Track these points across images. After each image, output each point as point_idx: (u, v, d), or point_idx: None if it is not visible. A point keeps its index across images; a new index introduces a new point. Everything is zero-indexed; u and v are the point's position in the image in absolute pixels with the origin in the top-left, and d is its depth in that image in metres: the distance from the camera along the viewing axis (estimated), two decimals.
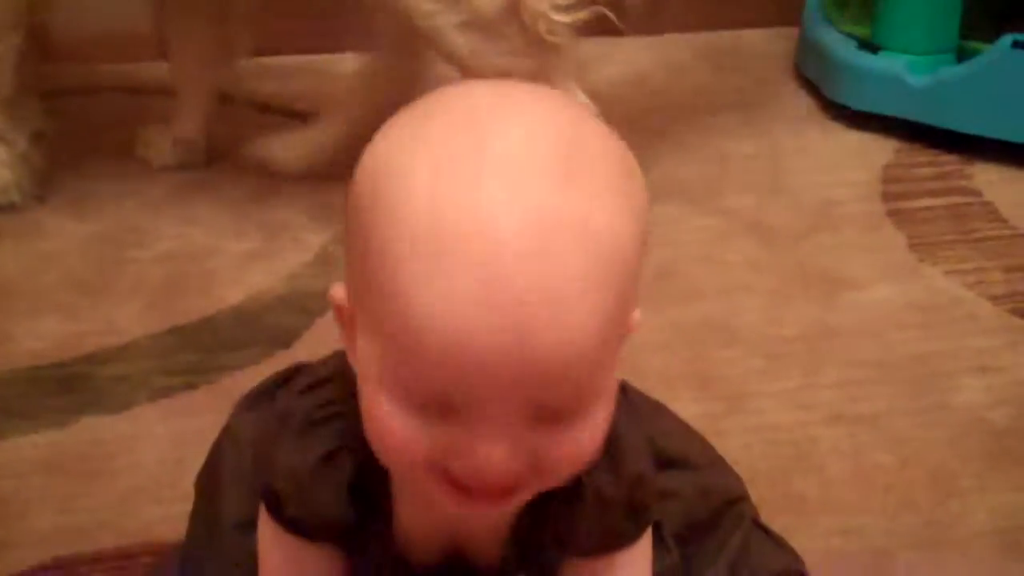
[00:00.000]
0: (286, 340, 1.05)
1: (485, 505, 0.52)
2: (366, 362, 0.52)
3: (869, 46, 1.50)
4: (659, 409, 0.76)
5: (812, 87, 1.59)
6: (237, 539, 0.67)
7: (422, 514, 0.60)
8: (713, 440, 0.77)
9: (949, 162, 1.40)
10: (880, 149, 1.44)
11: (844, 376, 1.01)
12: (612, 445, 0.57)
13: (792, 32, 1.72)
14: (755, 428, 0.94)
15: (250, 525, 0.65)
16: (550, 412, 0.50)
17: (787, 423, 0.95)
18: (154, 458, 0.90)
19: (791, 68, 1.67)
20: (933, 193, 1.34)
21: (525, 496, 0.54)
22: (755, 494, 0.76)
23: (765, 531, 0.76)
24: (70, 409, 0.96)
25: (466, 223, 0.47)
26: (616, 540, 0.62)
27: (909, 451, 0.92)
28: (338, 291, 0.55)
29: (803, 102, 1.58)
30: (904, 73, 1.44)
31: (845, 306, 1.12)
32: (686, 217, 1.26)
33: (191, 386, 0.98)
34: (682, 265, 1.17)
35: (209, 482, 0.71)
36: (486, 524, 0.61)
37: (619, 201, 0.51)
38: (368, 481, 0.59)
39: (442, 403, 0.49)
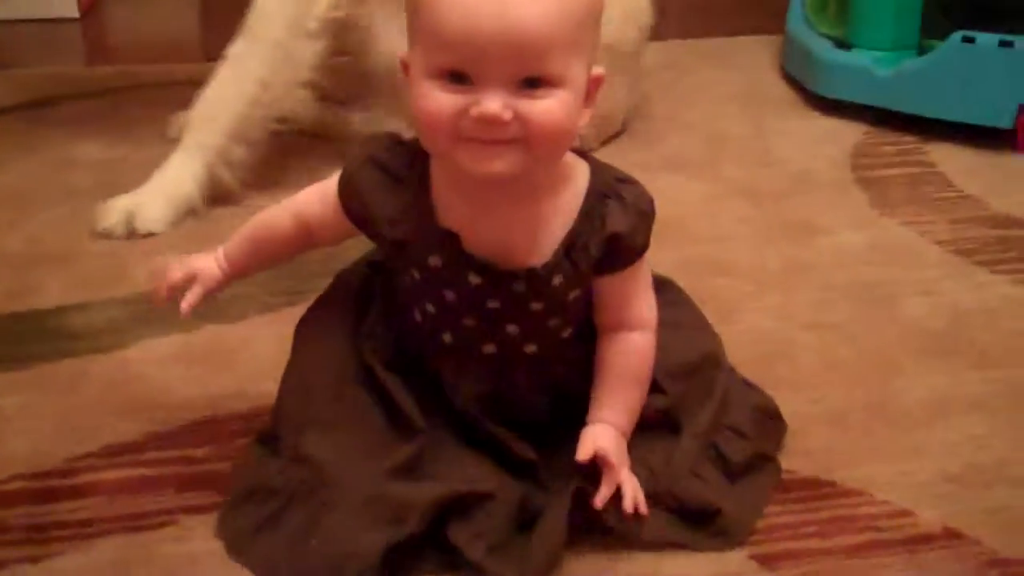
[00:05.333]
0: None
1: (493, 157, 0.78)
2: (414, 70, 0.80)
3: (843, 45, 1.74)
4: (666, 283, 1.00)
5: (795, 82, 1.84)
6: (344, 364, 0.92)
7: (465, 209, 0.85)
8: None
9: (909, 141, 1.64)
10: (851, 131, 1.68)
11: (816, 297, 1.24)
12: (622, 190, 0.86)
13: (777, 39, 1.97)
14: (744, 331, 1.17)
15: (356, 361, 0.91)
16: (530, 81, 0.77)
17: (769, 328, 1.19)
18: (264, 353, 1.13)
19: (777, 67, 1.92)
20: (894, 165, 1.58)
21: (518, 161, 0.79)
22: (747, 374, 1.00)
23: (742, 380, 0.99)
24: (193, 320, 1.19)
25: None
26: (630, 253, 0.87)
27: (865, 347, 1.15)
28: (401, 54, 0.83)
29: (787, 94, 1.82)
30: (872, 67, 1.68)
31: (818, 247, 1.36)
32: (690, 183, 1.51)
33: (290, 303, 1.21)
34: (686, 220, 1.41)
35: (314, 325, 0.96)
36: (525, 219, 0.85)
37: None
38: (418, 184, 0.86)
39: (459, 74, 0.77)
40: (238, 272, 0.96)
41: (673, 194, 1.42)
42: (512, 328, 0.88)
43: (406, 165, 0.88)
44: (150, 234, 1.38)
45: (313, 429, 0.90)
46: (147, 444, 1.01)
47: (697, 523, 0.90)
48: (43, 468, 0.97)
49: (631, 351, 0.90)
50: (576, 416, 0.91)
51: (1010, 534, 0.91)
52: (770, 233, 1.39)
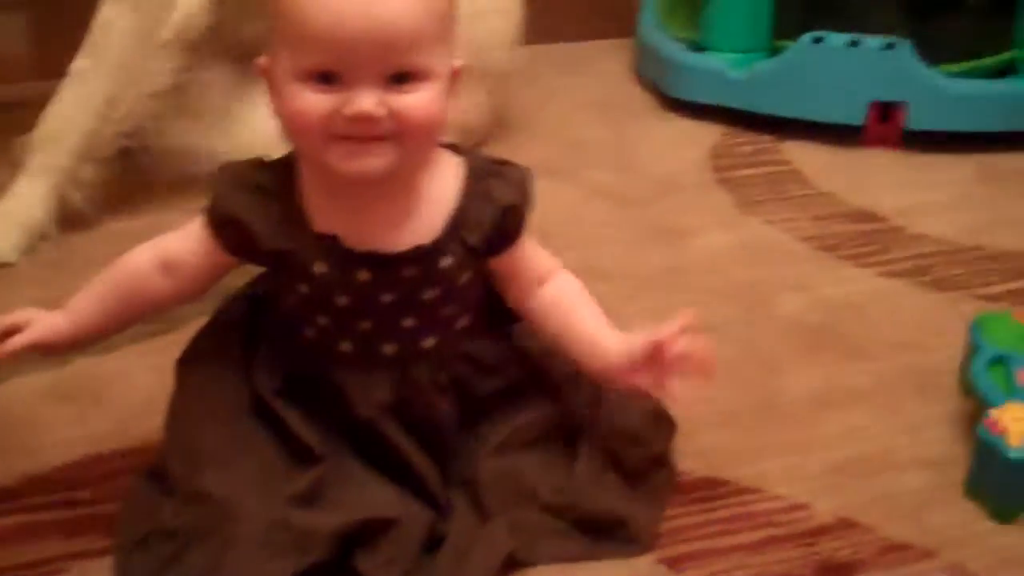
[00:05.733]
0: None
1: (366, 155, 0.79)
2: (279, 73, 0.80)
3: (696, 48, 1.78)
4: None
5: (650, 85, 1.86)
6: (235, 400, 0.90)
7: (338, 207, 0.85)
8: None
9: (765, 140, 1.68)
10: (709, 133, 1.71)
11: (693, 299, 1.26)
12: (501, 170, 0.89)
13: (627, 43, 2.00)
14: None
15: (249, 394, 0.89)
16: (399, 76, 0.78)
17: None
18: (141, 386, 1.09)
19: (631, 71, 1.95)
20: (753, 165, 1.62)
21: (392, 157, 0.80)
22: None
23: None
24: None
25: None
26: (521, 224, 0.89)
27: (746, 346, 1.18)
28: (262, 59, 0.83)
29: (643, 98, 1.85)
30: (726, 68, 1.71)
31: (689, 249, 1.38)
32: (556, 189, 1.51)
33: (162, 332, 1.16)
34: (556, 226, 1.39)
35: (197, 362, 0.92)
36: (401, 206, 0.85)
37: None
38: (286, 192, 0.86)
39: (328, 74, 0.78)
40: (88, 327, 0.92)
41: (540, 200, 1.40)
42: (409, 322, 0.88)
43: (272, 179, 0.87)
44: (3, 264, 1.31)
45: (208, 466, 0.87)
46: (24, 489, 0.96)
47: (603, 533, 0.91)
48: None
49: (566, 288, 0.93)
50: (480, 421, 0.92)
51: (902, 519, 0.95)
52: (640, 237, 1.41)
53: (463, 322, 0.91)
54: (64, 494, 0.95)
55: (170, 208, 1.36)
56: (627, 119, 1.78)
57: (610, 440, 0.96)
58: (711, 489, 0.98)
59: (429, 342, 0.89)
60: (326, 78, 0.78)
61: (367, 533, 0.85)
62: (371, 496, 0.87)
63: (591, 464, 0.94)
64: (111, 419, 1.05)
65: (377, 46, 0.77)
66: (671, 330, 0.87)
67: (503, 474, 0.91)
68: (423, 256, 0.86)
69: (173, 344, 0.96)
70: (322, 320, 0.87)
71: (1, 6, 2.35)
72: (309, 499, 0.86)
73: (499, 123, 1.68)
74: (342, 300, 0.86)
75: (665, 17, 1.89)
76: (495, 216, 0.87)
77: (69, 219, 1.37)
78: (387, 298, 0.86)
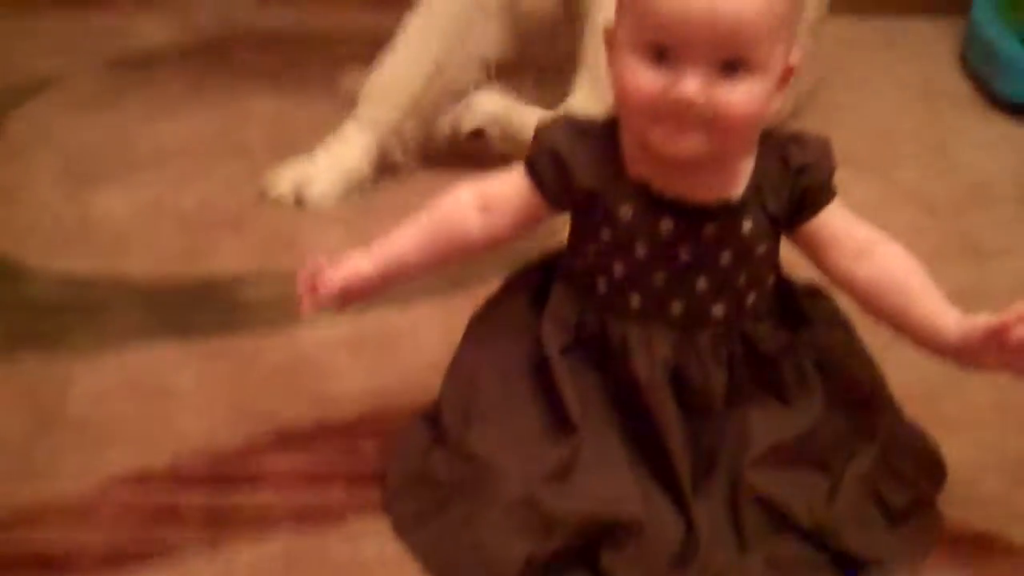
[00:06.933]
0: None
1: (682, 139, 0.82)
2: (619, 43, 0.84)
3: None
4: (819, 295, 0.96)
5: (977, 77, 1.75)
6: (514, 364, 0.93)
7: (655, 175, 0.87)
8: None
9: None
10: None
11: None
12: (799, 136, 0.89)
13: (956, 23, 1.88)
14: (909, 364, 1.10)
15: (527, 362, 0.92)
16: (730, 64, 0.80)
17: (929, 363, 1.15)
18: (430, 344, 1.13)
19: (956, 57, 1.83)
20: None
21: (708, 145, 0.82)
22: (905, 411, 0.97)
23: (905, 420, 0.97)
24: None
25: None
26: (821, 189, 0.90)
27: None
28: (607, 25, 0.86)
29: (966, 90, 1.74)
30: None
31: (995, 271, 1.30)
32: (852, 184, 1.45)
33: (454, 286, 1.20)
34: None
35: (485, 322, 0.97)
36: (712, 185, 0.87)
37: None
38: (611, 147, 0.89)
39: (663, 52, 0.81)
40: (393, 267, 0.93)
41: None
42: (701, 283, 0.89)
43: (595, 127, 0.91)
44: (318, 206, 1.40)
45: (477, 424, 0.92)
46: (317, 434, 1.03)
47: (859, 572, 0.89)
48: (220, 450, 1.01)
49: (895, 260, 0.91)
50: (748, 413, 0.91)
51: None
52: (942, 251, 1.34)
53: (752, 298, 0.91)
54: (350, 442, 1.02)
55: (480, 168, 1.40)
56: (946, 112, 1.69)
57: (877, 475, 0.93)
58: (983, 546, 0.93)
59: (718, 309, 0.90)
60: (661, 54, 0.81)
61: (612, 532, 0.87)
62: (622, 486, 0.89)
63: (855, 495, 0.92)
64: (399, 374, 1.11)
65: (716, 35, 0.79)
66: (1015, 314, 0.84)
67: (764, 495, 0.91)
68: (726, 213, 0.87)
69: (464, 304, 1.01)
70: (618, 269, 0.90)
71: None
72: (561, 475, 0.89)
73: (806, 101, 1.62)
74: (641, 250, 0.88)
75: (1004, 8, 1.77)
76: (792, 180, 0.88)
77: (385, 169, 1.46)
78: (685, 255, 0.88)
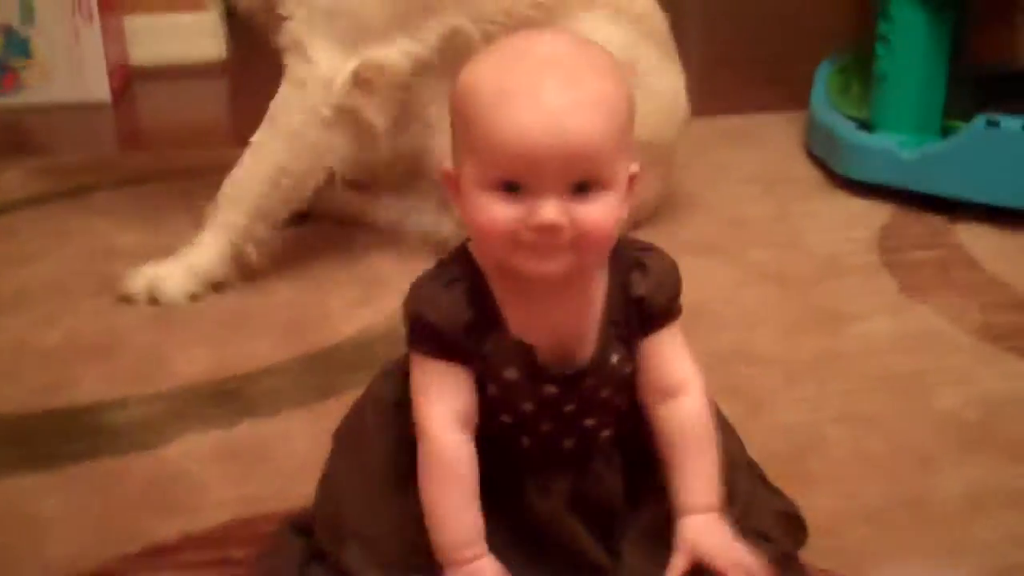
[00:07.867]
0: None
1: (548, 260, 0.82)
2: (466, 182, 0.84)
3: (866, 126, 1.76)
4: None
5: (819, 161, 1.85)
6: (382, 477, 0.92)
7: (525, 309, 0.87)
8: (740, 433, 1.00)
9: (936, 222, 1.65)
10: (878, 213, 1.69)
11: (848, 387, 1.25)
12: (644, 259, 0.90)
13: (800, 116, 1.99)
14: (774, 424, 1.17)
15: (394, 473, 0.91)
16: (581, 185, 0.81)
17: (800, 421, 1.19)
18: (302, 450, 1.14)
19: (801, 146, 1.93)
20: (922, 247, 1.58)
21: (572, 261, 0.82)
22: (772, 471, 1.00)
23: (765, 483, 1.00)
24: (231, 415, 1.22)
25: (524, 85, 0.80)
26: (655, 314, 0.90)
27: (898, 440, 1.15)
28: (446, 168, 0.86)
29: (812, 174, 1.84)
30: (897, 149, 1.69)
31: (848, 335, 1.36)
32: (715, 268, 1.52)
33: (324, 396, 1.22)
34: (713, 306, 1.41)
35: (349, 436, 0.96)
36: (577, 309, 0.88)
37: (614, 79, 0.83)
38: (481, 296, 0.87)
39: (515, 184, 0.81)
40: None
41: (699, 280, 1.39)
42: (589, 421, 0.90)
43: (453, 269, 0.89)
44: (171, 303, 1.46)
45: (351, 539, 0.91)
46: (182, 545, 1.01)
47: None
48: (87, 574, 0.98)
49: (686, 418, 0.91)
50: (649, 484, 0.92)
51: None
52: (798, 320, 1.40)
53: (626, 405, 0.92)
54: (219, 552, 1.00)
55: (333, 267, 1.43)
56: (794, 196, 1.77)
57: (740, 535, 0.94)
58: None
59: (606, 433, 0.91)
60: (511, 187, 0.81)
61: None
62: None
63: None
64: (270, 481, 1.10)
65: (564, 161, 0.80)
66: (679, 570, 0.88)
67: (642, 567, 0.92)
68: (599, 363, 0.88)
69: (335, 408, 1.01)
70: (505, 419, 0.90)
71: (204, 74, 2.52)
72: None
73: (665, 198, 1.69)
74: (528, 406, 0.89)
75: (836, 95, 1.88)
76: (630, 310, 0.89)
77: (245, 277, 1.51)
78: (569, 406, 0.89)
